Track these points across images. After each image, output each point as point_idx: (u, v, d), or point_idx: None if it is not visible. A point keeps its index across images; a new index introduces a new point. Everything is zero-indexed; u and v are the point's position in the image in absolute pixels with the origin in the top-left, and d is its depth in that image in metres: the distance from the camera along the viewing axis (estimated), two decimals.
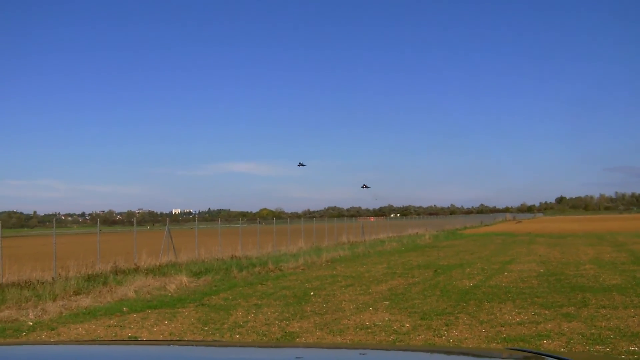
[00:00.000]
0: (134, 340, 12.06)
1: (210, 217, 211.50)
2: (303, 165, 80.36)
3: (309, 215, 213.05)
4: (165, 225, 36.26)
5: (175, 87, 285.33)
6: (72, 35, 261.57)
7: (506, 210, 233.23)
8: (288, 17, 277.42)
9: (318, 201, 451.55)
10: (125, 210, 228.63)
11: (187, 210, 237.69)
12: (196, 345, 4.38)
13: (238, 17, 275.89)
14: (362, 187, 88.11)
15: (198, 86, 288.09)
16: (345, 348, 5.38)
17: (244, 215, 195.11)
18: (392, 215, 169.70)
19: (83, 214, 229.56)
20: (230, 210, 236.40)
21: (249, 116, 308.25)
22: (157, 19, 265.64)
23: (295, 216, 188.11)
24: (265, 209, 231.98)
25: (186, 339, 13.29)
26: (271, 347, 5.47)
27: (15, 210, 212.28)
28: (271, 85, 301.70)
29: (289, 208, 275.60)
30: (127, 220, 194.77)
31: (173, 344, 4.69)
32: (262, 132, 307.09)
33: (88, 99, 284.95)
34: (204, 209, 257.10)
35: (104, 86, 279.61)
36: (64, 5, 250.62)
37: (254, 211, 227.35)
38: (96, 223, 32.40)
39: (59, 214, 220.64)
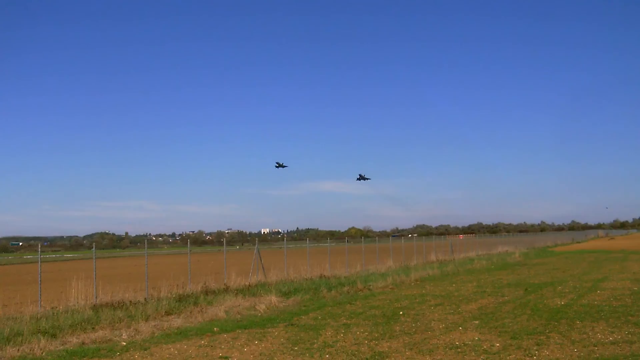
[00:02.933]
0: None
1: (299, 236, 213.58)
2: (284, 166, 75.22)
3: (398, 233, 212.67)
4: (254, 245, 36.72)
5: (265, 107, 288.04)
6: (164, 56, 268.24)
7: (598, 226, 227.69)
8: (376, 39, 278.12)
9: (406, 219, 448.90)
10: (214, 230, 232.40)
11: (276, 230, 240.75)
12: None
13: (345, 38, 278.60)
14: (358, 178, 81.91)
15: (287, 105, 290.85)
16: None
17: (332, 234, 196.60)
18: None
19: (173, 234, 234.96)
20: (319, 229, 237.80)
21: (338, 134, 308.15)
22: (257, 36, 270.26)
23: (384, 235, 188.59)
24: (353, 227, 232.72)
25: None
26: None
27: (107, 232, 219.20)
28: (360, 105, 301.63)
29: (377, 226, 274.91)
30: (217, 240, 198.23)
31: None
32: (350, 150, 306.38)
33: (179, 118, 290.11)
34: (293, 228, 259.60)
35: (195, 107, 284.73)
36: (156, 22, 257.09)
37: (342, 230, 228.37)
38: (186, 243, 33.04)
39: (149, 234, 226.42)
